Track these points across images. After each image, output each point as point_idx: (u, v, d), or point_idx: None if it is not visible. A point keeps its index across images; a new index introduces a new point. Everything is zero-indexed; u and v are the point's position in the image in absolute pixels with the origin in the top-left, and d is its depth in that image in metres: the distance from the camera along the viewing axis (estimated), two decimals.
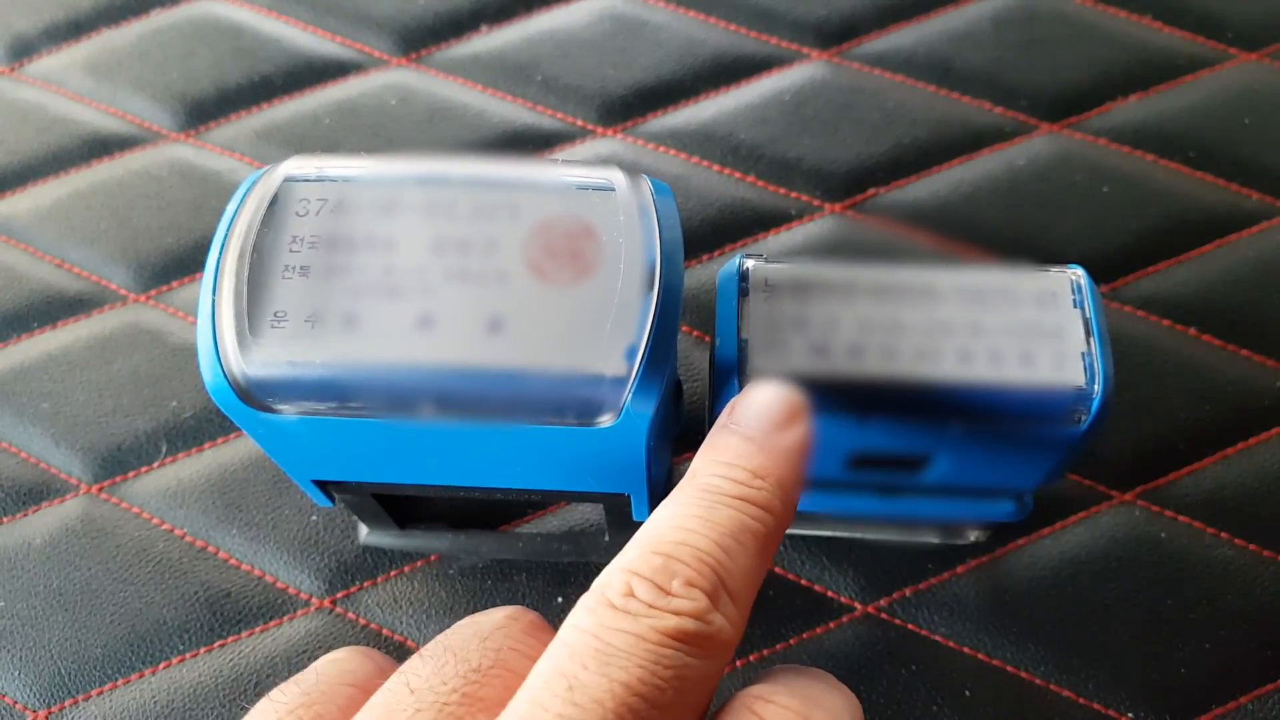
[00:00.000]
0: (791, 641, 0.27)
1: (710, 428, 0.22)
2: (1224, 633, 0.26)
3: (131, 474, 0.29)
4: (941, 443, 0.21)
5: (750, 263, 0.21)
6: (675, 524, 0.16)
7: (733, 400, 0.19)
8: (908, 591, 0.27)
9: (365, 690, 0.17)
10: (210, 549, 0.28)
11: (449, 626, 0.18)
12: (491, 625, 0.18)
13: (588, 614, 0.15)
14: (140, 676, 0.27)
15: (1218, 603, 0.27)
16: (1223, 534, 0.27)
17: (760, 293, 0.21)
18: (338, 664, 0.18)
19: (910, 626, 0.27)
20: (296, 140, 0.34)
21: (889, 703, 0.26)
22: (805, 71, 0.35)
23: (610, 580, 0.16)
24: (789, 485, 0.18)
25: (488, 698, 0.16)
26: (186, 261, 0.32)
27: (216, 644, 0.27)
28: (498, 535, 0.28)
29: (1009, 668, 0.26)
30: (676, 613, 0.15)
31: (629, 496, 0.22)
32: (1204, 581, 0.27)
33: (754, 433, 0.18)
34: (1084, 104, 0.34)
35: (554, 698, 0.14)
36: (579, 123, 0.35)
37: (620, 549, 0.27)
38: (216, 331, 0.18)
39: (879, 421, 0.20)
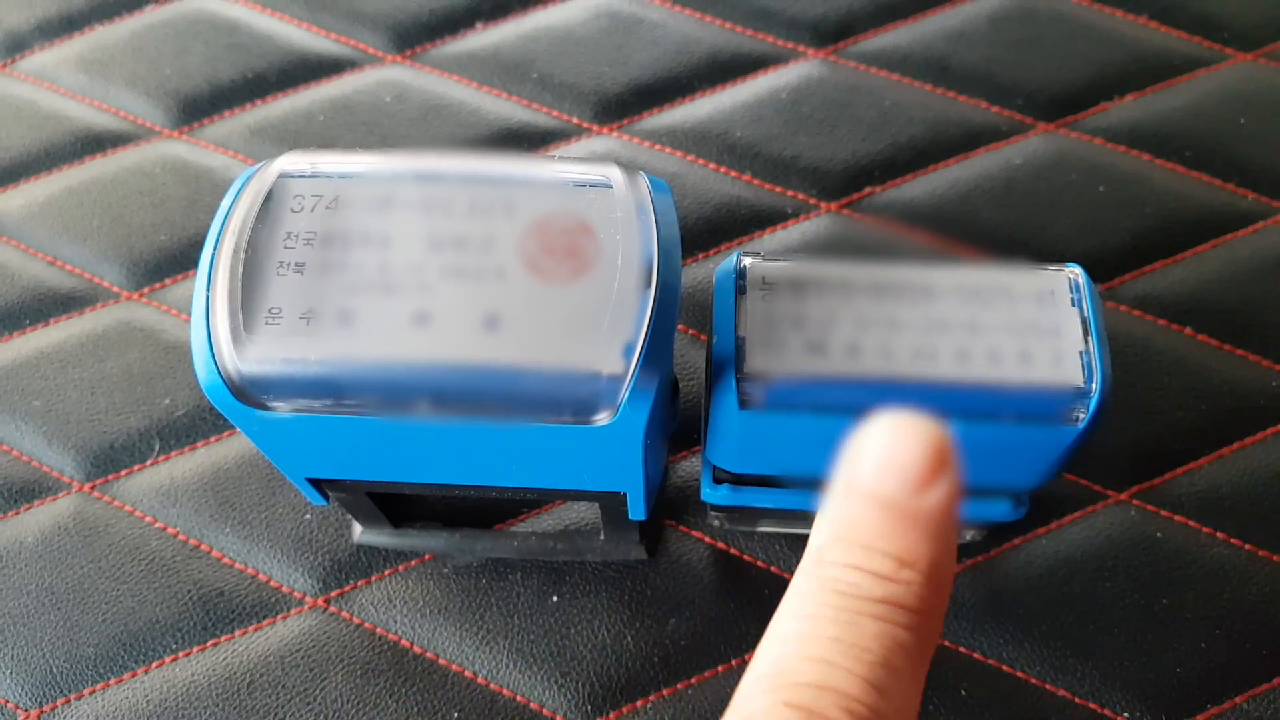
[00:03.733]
0: None
1: (707, 427, 0.22)
2: (1219, 632, 0.26)
3: (124, 472, 0.29)
4: None
5: (748, 260, 0.21)
6: (808, 653, 0.13)
7: (850, 444, 0.14)
8: None
9: None
10: (203, 547, 0.28)
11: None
12: None
13: None
14: (133, 675, 0.26)
15: (1213, 602, 0.27)
16: (1218, 533, 0.27)
17: (758, 290, 0.21)
18: None
19: None
20: (291, 137, 0.34)
21: None
22: (801, 70, 0.35)
23: None
24: (944, 567, 0.13)
25: None
26: (180, 259, 0.32)
27: (209, 643, 0.27)
28: (493, 534, 0.27)
29: (1005, 667, 0.26)
30: None
31: (625, 495, 0.22)
32: (1199, 581, 0.27)
33: (890, 496, 0.13)
34: (1080, 103, 0.34)
35: None
36: (575, 120, 0.35)
37: (615, 548, 0.26)
38: (211, 328, 0.18)
39: None
